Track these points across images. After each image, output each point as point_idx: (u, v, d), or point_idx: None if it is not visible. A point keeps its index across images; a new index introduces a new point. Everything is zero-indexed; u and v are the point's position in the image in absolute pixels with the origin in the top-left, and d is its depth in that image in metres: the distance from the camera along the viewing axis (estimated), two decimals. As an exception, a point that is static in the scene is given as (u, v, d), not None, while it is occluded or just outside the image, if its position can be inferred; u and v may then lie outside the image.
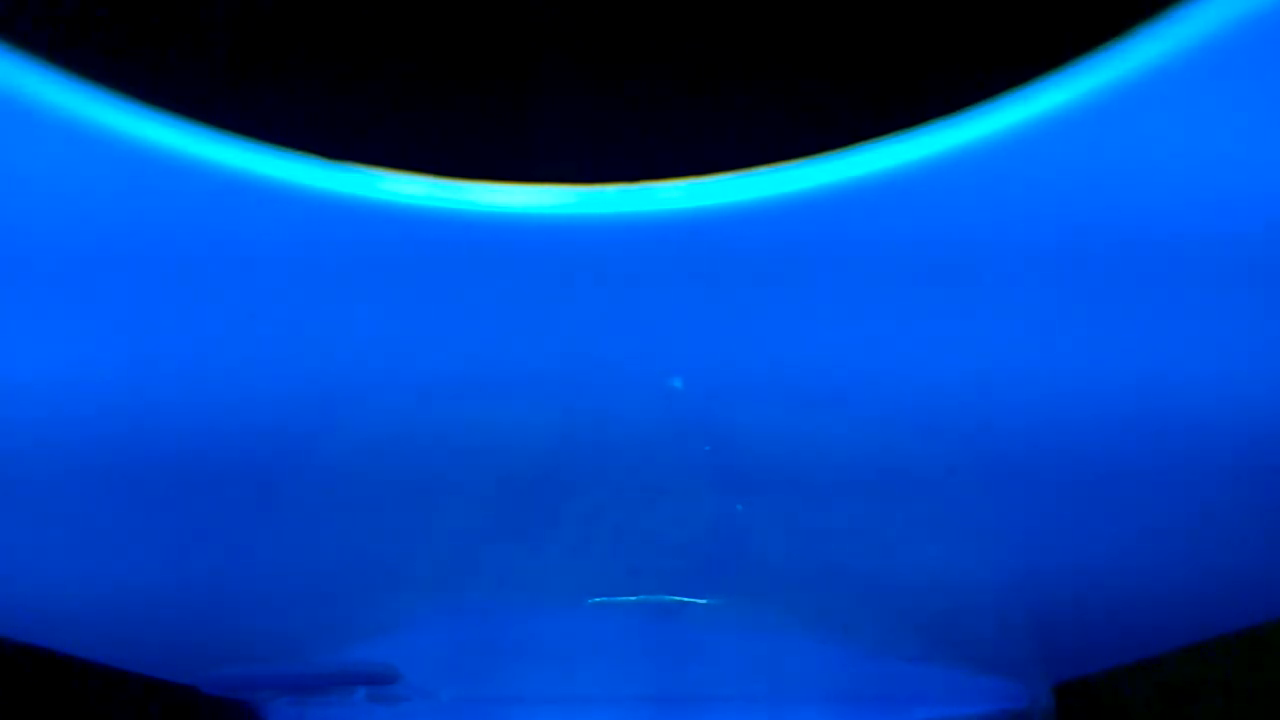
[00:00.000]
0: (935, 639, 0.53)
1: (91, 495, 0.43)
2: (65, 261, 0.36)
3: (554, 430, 0.41)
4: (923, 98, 0.35)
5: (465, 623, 0.52)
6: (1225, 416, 0.40)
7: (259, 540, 0.45)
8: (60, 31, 0.36)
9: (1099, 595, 0.49)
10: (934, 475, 0.42)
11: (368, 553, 0.47)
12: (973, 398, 0.39)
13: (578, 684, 0.57)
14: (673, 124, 0.39)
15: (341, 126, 0.38)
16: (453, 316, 0.37)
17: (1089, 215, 0.35)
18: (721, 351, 0.38)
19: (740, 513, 0.45)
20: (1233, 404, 0.39)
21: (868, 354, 0.38)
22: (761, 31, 0.39)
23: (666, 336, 0.38)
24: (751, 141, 0.37)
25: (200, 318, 0.37)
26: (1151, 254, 0.35)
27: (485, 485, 0.43)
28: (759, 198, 0.34)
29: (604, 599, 0.50)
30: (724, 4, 0.39)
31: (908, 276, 0.36)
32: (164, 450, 0.41)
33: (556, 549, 0.47)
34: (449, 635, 0.53)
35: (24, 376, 0.38)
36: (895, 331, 0.37)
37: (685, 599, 0.50)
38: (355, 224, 0.35)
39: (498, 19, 0.39)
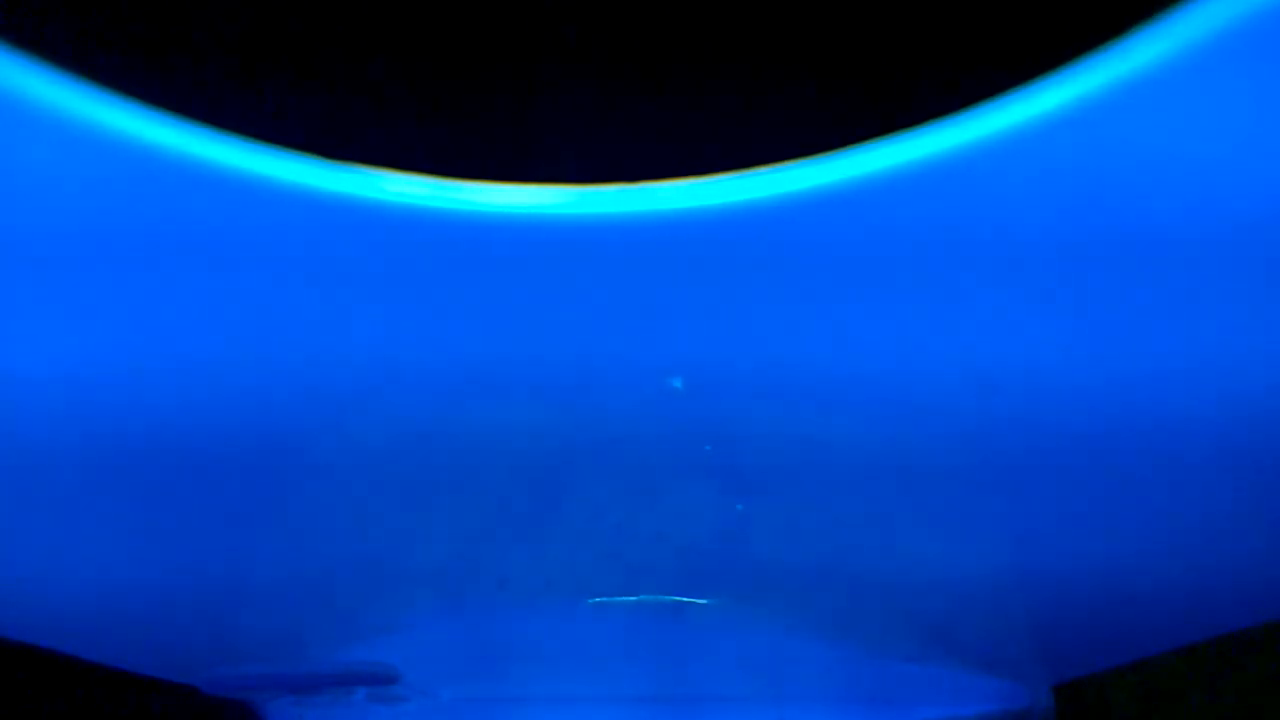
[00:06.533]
0: (935, 639, 0.53)
1: (91, 493, 0.43)
2: (64, 261, 0.36)
3: (554, 430, 0.41)
4: (923, 98, 0.35)
5: (465, 623, 0.52)
6: (1225, 412, 0.40)
7: (259, 540, 0.45)
8: (61, 32, 0.36)
9: (1099, 595, 0.49)
10: (934, 472, 0.42)
11: (368, 553, 0.47)
12: (972, 394, 0.39)
13: (578, 684, 0.57)
14: (672, 124, 0.39)
15: (341, 126, 0.38)
16: (453, 316, 0.37)
17: (1088, 215, 0.35)
18: (721, 351, 0.38)
19: (740, 512, 0.45)
20: (1232, 399, 0.39)
21: (868, 352, 0.38)
22: (760, 31, 0.39)
23: (666, 336, 0.38)
24: (751, 141, 0.37)
25: (199, 317, 0.37)
26: (1151, 253, 0.35)
27: (485, 485, 0.43)
28: (759, 198, 0.34)
29: (604, 599, 0.50)
30: (724, 4, 0.39)
31: (908, 276, 0.36)
32: (164, 448, 0.41)
33: (557, 549, 0.47)
34: (449, 635, 0.53)
35: (23, 373, 0.38)
36: (895, 330, 0.37)
37: (685, 599, 0.50)
38: (355, 224, 0.35)
39: (498, 19, 0.39)
